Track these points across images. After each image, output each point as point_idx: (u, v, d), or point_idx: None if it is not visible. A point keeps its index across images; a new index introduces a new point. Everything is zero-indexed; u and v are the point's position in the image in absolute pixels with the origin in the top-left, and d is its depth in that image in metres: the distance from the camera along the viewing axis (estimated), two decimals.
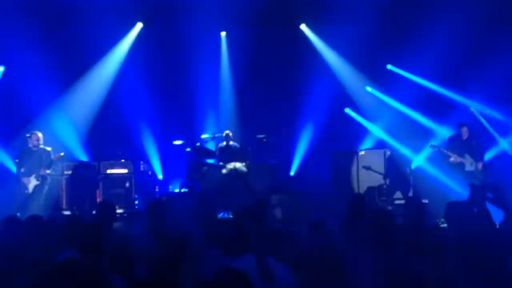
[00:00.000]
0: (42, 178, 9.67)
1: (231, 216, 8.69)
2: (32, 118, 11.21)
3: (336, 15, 11.35)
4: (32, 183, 9.65)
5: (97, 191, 10.39)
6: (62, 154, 10.03)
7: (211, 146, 11.58)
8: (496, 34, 11.38)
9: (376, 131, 12.21)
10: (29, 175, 9.66)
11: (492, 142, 11.06)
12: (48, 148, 9.87)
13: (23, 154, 9.83)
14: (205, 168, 11.07)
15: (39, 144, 9.80)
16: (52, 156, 9.81)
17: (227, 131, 11.46)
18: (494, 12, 11.15)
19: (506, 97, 11.30)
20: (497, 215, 3.98)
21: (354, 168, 11.48)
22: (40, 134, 9.87)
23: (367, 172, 11.16)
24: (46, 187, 9.73)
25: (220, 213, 8.94)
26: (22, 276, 3.52)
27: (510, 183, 10.06)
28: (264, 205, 6.08)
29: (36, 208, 9.07)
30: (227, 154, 11.20)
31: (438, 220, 7.77)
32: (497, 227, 3.84)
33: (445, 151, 10.04)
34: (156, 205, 5.61)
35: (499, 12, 11.17)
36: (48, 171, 9.72)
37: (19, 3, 10.87)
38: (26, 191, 9.60)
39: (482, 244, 3.41)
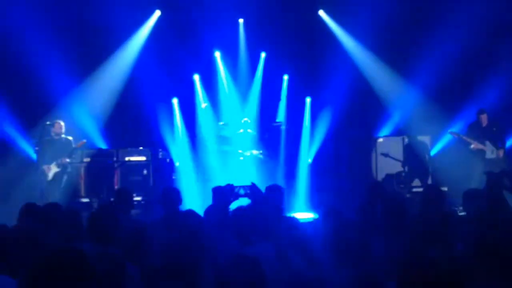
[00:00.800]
0: (63, 166, 9.67)
1: (248, 191, 8.72)
2: (52, 106, 11.29)
3: (354, 0, 11.22)
4: (53, 170, 9.63)
5: (115, 178, 10.46)
6: (84, 141, 10.03)
7: (228, 133, 11.60)
8: None
9: (395, 117, 12.07)
10: (50, 163, 9.65)
11: None
12: (70, 138, 9.90)
13: (45, 143, 9.80)
14: (222, 155, 11.10)
15: (61, 133, 9.82)
16: (74, 145, 9.84)
17: (245, 118, 11.47)
18: None
19: None
20: None
21: (372, 155, 11.40)
22: (62, 123, 9.91)
23: (386, 159, 11.06)
24: (65, 176, 9.75)
25: (237, 187, 8.95)
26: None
27: None
28: (280, 191, 6.07)
29: (56, 195, 9.17)
30: (244, 141, 11.22)
31: (457, 208, 7.70)
32: None
33: (464, 137, 9.88)
34: (170, 193, 5.63)
35: None
36: (68, 160, 9.72)
37: None
38: (46, 179, 9.60)
39: (500, 233, 3.35)
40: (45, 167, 9.61)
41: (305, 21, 12.35)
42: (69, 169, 9.88)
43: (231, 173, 10.57)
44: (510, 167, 9.41)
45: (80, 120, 11.46)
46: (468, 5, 10.76)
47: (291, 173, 11.44)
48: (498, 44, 11.26)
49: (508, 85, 11.11)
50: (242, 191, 8.50)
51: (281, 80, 12.56)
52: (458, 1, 10.97)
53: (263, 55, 12.66)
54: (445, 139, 11.10)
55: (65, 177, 9.72)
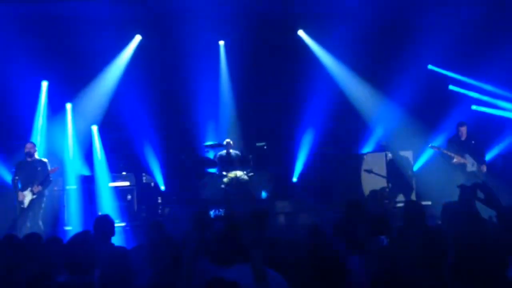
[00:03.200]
0: (38, 193, 9.16)
1: (222, 214, 8.72)
2: (32, 132, 11.21)
3: (332, 20, 11.37)
4: (28, 197, 9.14)
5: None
6: (57, 167, 9.55)
7: (211, 155, 11.62)
8: (496, 28, 11.34)
9: (377, 134, 12.17)
10: (24, 189, 9.18)
11: (493, 141, 11.04)
12: (45, 160, 9.42)
13: (19, 166, 9.36)
14: (207, 177, 11.10)
15: (33, 153, 9.32)
16: (48, 169, 9.32)
17: (228, 140, 11.49)
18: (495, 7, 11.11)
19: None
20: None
21: (356, 172, 11.44)
22: (31, 144, 9.43)
23: (370, 175, 11.12)
24: (43, 204, 9.29)
25: (211, 210, 8.95)
26: None
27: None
28: (263, 213, 6.06)
29: (35, 224, 8.99)
30: (228, 163, 11.22)
31: (439, 222, 7.73)
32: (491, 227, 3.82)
33: (445, 151, 9.95)
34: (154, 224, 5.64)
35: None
36: (40, 188, 9.17)
37: (18, 17, 10.93)
38: (22, 206, 9.12)
39: (476, 247, 3.37)
40: (20, 194, 9.14)
41: (285, 41, 12.45)
42: (45, 196, 9.36)
43: (215, 195, 10.57)
44: (491, 179, 9.50)
45: (62, 145, 11.38)
46: (444, 20, 10.96)
47: (276, 193, 11.44)
48: (475, 57, 11.46)
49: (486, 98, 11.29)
50: (215, 213, 8.47)
51: (262, 100, 12.62)
52: (435, 17, 11.18)
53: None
54: (427, 154, 11.19)
55: (42, 205, 9.25)
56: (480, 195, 3.30)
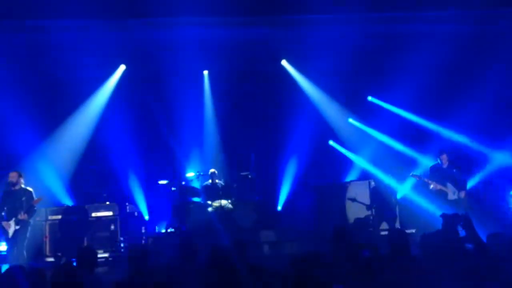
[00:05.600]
0: (23, 223, 9.02)
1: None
2: (15, 163, 11.09)
3: (315, 50, 11.54)
4: (12, 228, 8.99)
5: (84, 236, 10.19)
6: (41, 198, 9.35)
7: (196, 184, 11.59)
8: (471, 64, 11.61)
9: (360, 162, 12.27)
10: (9, 219, 9.01)
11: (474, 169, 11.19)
12: (30, 189, 9.25)
13: (4, 195, 9.20)
14: (191, 207, 11.06)
15: (18, 183, 9.16)
16: (33, 198, 9.15)
17: (212, 170, 11.51)
18: (468, 43, 11.38)
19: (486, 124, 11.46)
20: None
21: (340, 200, 11.47)
22: (15, 173, 9.24)
23: (354, 204, 11.16)
24: (29, 228, 9.14)
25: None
26: None
27: (494, 209, 10.16)
28: (245, 242, 6.04)
29: (20, 254, 8.85)
30: (213, 192, 11.22)
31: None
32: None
33: (426, 180, 10.07)
34: (137, 251, 5.56)
35: (474, 42, 11.41)
36: (26, 216, 9.03)
37: (1, 49, 10.93)
38: (6, 237, 8.98)
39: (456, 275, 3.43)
40: (4, 223, 8.98)
41: (268, 71, 12.57)
42: (31, 223, 9.23)
43: (200, 225, 10.51)
44: (472, 208, 9.61)
45: (45, 176, 11.28)
46: (422, 51, 11.19)
47: (261, 222, 11.40)
48: (453, 87, 11.70)
49: (464, 126, 11.49)
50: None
51: (246, 129, 12.68)
52: (414, 47, 11.39)
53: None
54: (410, 182, 11.30)
55: (27, 235, 9.09)
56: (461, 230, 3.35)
